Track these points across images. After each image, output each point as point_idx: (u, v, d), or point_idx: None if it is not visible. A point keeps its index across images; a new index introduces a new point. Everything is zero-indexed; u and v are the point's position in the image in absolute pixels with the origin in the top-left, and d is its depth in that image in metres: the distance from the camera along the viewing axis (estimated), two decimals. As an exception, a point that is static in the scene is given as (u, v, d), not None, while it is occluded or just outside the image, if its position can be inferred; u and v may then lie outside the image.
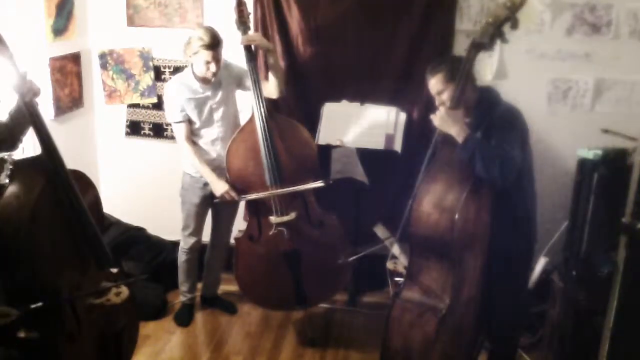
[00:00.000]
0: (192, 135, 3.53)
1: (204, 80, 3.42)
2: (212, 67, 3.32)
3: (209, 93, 3.45)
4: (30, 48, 3.52)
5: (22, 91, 2.38)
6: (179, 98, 3.44)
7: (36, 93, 2.46)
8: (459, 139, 2.65)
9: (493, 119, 2.73)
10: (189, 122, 3.49)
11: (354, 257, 3.31)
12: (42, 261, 2.37)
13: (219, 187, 3.47)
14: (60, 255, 2.46)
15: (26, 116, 2.46)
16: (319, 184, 3.39)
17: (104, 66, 4.18)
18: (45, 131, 2.45)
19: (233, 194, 3.46)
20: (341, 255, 3.47)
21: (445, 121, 2.70)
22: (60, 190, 2.44)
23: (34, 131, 2.46)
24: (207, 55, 3.28)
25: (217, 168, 3.51)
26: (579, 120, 3.79)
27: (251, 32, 3.45)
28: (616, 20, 3.65)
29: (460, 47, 3.67)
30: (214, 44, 3.27)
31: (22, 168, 2.38)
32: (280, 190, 3.39)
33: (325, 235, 3.51)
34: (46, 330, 2.33)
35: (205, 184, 3.56)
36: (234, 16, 3.41)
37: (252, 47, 3.38)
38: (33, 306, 2.23)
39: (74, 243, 2.51)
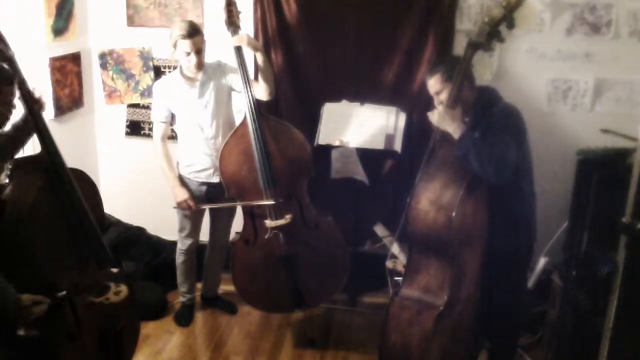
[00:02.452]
0: (184, 135, 3.52)
1: (191, 79, 3.42)
2: (193, 59, 3.29)
3: (196, 92, 3.42)
4: (30, 48, 3.52)
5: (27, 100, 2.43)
6: (164, 97, 3.46)
7: (42, 106, 2.52)
8: (455, 136, 2.67)
9: (490, 118, 2.75)
10: (171, 123, 3.51)
11: (377, 245, 3.28)
12: (41, 260, 2.36)
13: (179, 195, 3.50)
14: (60, 254, 2.46)
15: (29, 128, 2.53)
16: (270, 201, 3.33)
17: (104, 66, 4.19)
18: (47, 133, 2.46)
19: (191, 203, 3.50)
20: (341, 254, 3.48)
21: (443, 119, 2.72)
22: (60, 188, 2.44)
23: (35, 133, 2.50)
24: (185, 45, 3.26)
25: (209, 167, 3.51)
26: (579, 120, 3.78)
27: (242, 32, 3.40)
28: (616, 20, 3.64)
29: (460, 47, 3.65)
30: (191, 32, 3.26)
31: (20, 166, 2.39)
32: (225, 204, 3.47)
33: (321, 237, 3.48)
34: (46, 329, 2.33)
35: (199, 185, 3.56)
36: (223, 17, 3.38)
37: (243, 48, 3.33)
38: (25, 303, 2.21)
39: (73, 242, 2.51)
